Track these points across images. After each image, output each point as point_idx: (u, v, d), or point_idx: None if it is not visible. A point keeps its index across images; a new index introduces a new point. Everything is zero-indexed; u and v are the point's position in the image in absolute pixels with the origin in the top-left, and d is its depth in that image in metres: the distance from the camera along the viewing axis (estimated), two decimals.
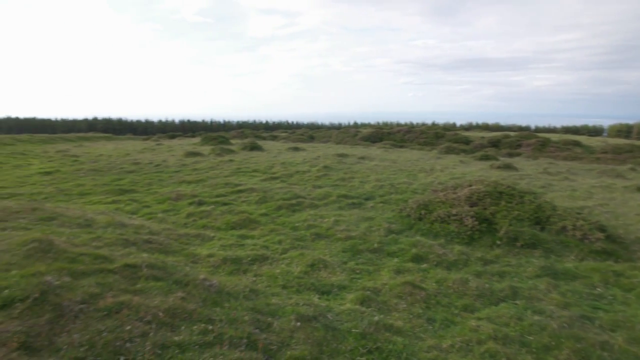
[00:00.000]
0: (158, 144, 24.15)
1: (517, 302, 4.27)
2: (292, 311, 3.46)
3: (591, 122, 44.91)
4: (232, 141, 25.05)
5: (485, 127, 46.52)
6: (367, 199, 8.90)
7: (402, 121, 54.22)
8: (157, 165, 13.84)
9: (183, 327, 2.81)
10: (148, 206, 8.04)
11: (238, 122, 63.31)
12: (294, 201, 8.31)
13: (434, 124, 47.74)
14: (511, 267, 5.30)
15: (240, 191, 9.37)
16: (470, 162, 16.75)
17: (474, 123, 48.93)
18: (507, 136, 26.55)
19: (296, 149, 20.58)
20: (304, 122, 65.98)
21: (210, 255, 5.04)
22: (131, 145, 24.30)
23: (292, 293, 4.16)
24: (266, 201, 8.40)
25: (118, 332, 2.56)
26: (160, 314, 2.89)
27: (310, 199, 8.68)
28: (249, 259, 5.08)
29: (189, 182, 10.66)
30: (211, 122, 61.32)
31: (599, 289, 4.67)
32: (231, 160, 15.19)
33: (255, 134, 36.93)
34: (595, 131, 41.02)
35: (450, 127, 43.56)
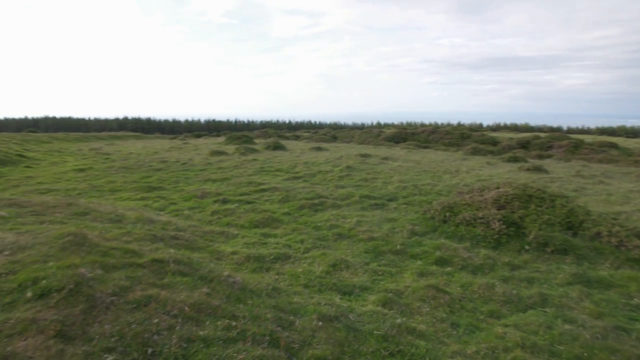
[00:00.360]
0: (185, 143, 24.78)
1: (547, 309, 4.11)
2: (313, 310, 3.48)
3: (629, 122, 42.73)
4: (256, 140, 25.38)
5: (514, 128, 45.11)
6: (390, 200, 8.81)
7: (427, 121, 53.35)
8: (183, 164, 14.21)
9: (208, 322, 2.87)
10: (175, 203, 8.27)
11: (262, 122, 64.05)
12: (316, 201, 8.33)
13: (459, 125, 46.72)
14: (540, 273, 5.11)
15: (264, 190, 9.49)
16: (497, 164, 16.27)
17: (502, 123, 47.53)
18: (537, 137, 25.62)
19: (319, 148, 20.63)
20: (327, 122, 65.99)
21: (234, 253, 5.13)
22: (159, 144, 25.05)
23: (314, 292, 4.17)
24: (289, 200, 8.47)
25: (146, 325, 2.64)
26: (186, 308, 2.96)
27: (333, 199, 8.68)
28: (272, 257, 5.13)
29: (214, 181, 10.88)
30: (235, 121, 62.33)
31: (636, 299, 4.44)
32: (255, 160, 15.39)
33: (278, 133, 37.28)
34: (633, 132, 38.97)
35: (476, 128, 42.51)
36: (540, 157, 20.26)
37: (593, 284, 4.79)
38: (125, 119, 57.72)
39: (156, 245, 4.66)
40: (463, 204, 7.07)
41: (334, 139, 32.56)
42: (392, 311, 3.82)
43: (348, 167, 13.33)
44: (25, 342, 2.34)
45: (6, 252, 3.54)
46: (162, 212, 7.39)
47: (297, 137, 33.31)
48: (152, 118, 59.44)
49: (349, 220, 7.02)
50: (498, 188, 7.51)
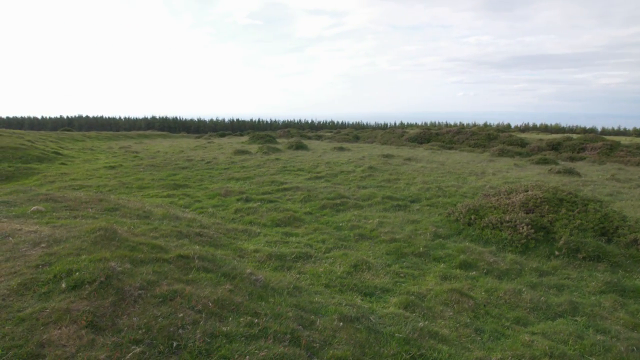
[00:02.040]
0: (209, 142, 25.30)
1: (577, 318, 3.95)
2: (334, 311, 3.47)
3: None
4: (279, 140, 25.61)
5: (544, 129, 43.55)
6: (413, 202, 8.69)
7: (452, 121, 52.29)
8: (208, 162, 14.51)
9: (230, 319, 2.92)
10: (199, 201, 8.46)
11: (284, 122, 64.55)
12: (338, 201, 8.32)
13: (486, 125, 45.52)
14: (571, 280, 4.91)
15: (286, 189, 9.56)
16: (526, 166, 15.75)
17: (531, 124, 45.97)
18: (569, 138, 24.62)
19: (341, 148, 20.59)
20: (349, 121, 65.78)
21: (256, 251, 5.19)
22: (185, 142, 25.68)
23: (335, 292, 4.17)
24: (310, 200, 8.49)
25: (172, 319, 2.72)
26: (210, 304, 3.02)
27: (355, 199, 8.65)
28: (293, 256, 5.16)
29: (237, 179, 11.06)
30: (259, 121, 63.08)
31: None
32: (277, 159, 15.53)
33: (300, 133, 37.46)
34: None
35: (504, 128, 41.31)
36: (572, 159, 19.47)
37: (628, 294, 4.56)
38: (153, 118, 59.52)
39: (181, 242, 4.79)
40: (489, 207, 6.89)
41: (357, 139, 32.41)
42: (414, 314, 3.76)
43: (370, 167, 13.24)
44: (60, 331, 2.45)
45: (43, 245, 3.73)
46: (187, 209, 7.58)
47: (319, 137, 33.37)
48: (178, 117, 61.03)
49: (370, 221, 6.97)
50: (527, 191, 7.27)
